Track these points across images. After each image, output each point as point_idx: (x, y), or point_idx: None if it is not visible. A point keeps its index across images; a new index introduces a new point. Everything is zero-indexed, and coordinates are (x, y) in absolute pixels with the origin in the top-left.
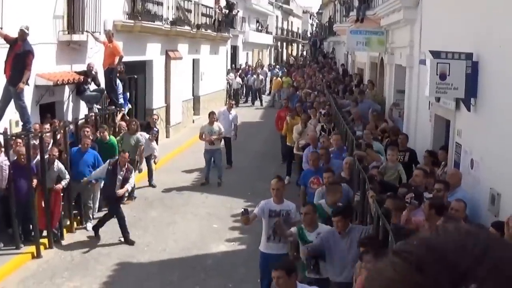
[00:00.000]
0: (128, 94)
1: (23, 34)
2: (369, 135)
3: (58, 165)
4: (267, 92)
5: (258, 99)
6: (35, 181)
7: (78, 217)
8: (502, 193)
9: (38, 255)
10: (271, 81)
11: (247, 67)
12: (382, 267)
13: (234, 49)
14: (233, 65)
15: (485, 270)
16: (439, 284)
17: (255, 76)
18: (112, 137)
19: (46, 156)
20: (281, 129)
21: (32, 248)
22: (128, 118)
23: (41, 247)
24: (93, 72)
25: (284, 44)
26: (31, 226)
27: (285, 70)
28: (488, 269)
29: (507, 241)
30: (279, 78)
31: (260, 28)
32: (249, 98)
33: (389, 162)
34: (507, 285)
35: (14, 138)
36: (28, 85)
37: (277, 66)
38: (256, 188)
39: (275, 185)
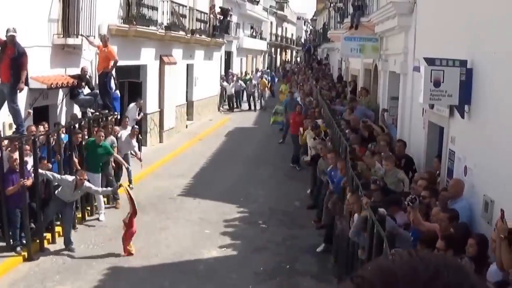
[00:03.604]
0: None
1: (13, 38)
2: (384, 145)
3: (85, 184)
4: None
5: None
6: (28, 182)
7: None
8: (495, 200)
9: (29, 258)
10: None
11: (229, 74)
12: None
13: (228, 54)
14: (228, 71)
15: None
16: None
17: (240, 82)
18: (104, 142)
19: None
20: (294, 131)
21: (24, 251)
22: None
23: (33, 250)
24: (87, 76)
25: (278, 50)
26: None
27: (278, 75)
28: None
29: (459, 265)
30: (263, 79)
31: (254, 34)
32: (233, 103)
33: (386, 170)
34: None
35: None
36: (28, 85)
37: (268, 70)
38: (248, 194)
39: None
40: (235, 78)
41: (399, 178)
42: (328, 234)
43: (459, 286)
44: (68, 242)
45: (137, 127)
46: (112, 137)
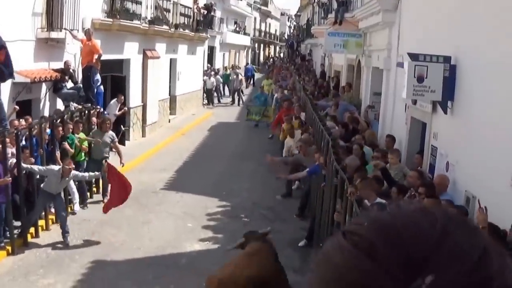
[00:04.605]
0: (102, 88)
1: None
2: (360, 139)
3: (73, 173)
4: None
5: (238, 98)
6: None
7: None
8: (477, 195)
9: (13, 252)
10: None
11: (208, 69)
12: (330, 251)
13: (211, 49)
14: (209, 65)
15: (443, 259)
16: (394, 276)
17: (217, 76)
18: (71, 135)
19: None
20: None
21: (8, 245)
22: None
23: (16, 244)
24: (70, 70)
25: (262, 45)
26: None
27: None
28: (446, 257)
29: (465, 220)
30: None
31: (238, 29)
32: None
33: (391, 164)
34: (465, 275)
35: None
36: (4, 80)
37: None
38: (231, 188)
39: None
40: (212, 73)
41: (404, 172)
42: (311, 229)
43: (472, 248)
44: (64, 232)
45: (106, 113)
46: (111, 133)
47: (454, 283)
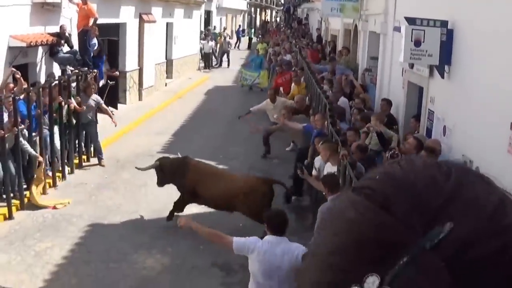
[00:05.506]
0: (105, 57)
1: None
2: (359, 103)
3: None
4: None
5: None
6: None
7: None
8: (474, 160)
9: (10, 217)
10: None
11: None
12: (341, 207)
13: (208, 13)
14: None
15: (459, 208)
16: (410, 225)
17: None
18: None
19: None
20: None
21: (4, 210)
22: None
23: (13, 209)
24: (66, 34)
25: (258, 10)
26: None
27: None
28: (463, 206)
29: (480, 174)
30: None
31: None
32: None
33: (373, 126)
34: (482, 224)
35: None
36: None
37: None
38: (227, 151)
39: None
40: (209, 37)
41: (387, 135)
42: (297, 186)
43: (488, 199)
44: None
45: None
46: (96, 96)
47: (471, 231)
